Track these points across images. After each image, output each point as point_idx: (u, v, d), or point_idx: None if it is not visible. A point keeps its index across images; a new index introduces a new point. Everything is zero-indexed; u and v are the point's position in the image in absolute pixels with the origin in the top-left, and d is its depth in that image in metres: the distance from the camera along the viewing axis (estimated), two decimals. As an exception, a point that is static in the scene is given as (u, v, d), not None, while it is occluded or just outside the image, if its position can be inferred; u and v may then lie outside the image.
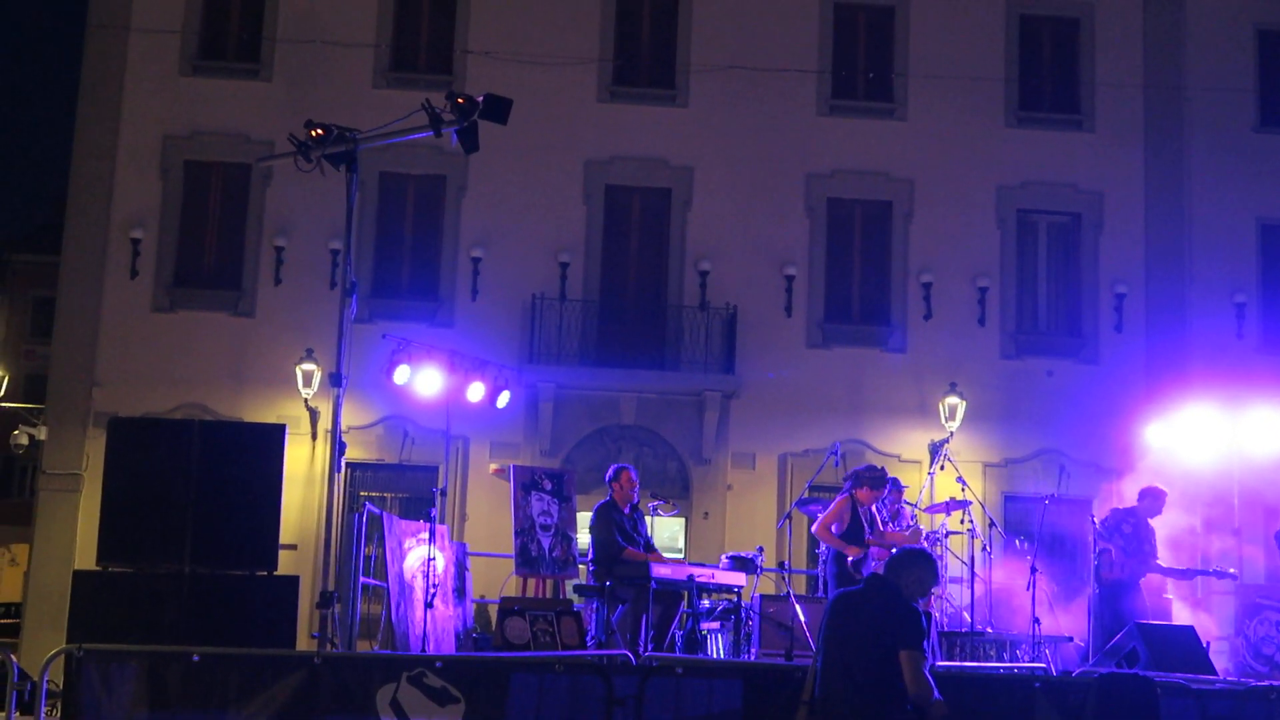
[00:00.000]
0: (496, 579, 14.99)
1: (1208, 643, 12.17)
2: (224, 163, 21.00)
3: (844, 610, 7.23)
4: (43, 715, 8.63)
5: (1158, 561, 13.71)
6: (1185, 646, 10.94)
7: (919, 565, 7.22)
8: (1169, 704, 8.53)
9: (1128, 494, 17.03)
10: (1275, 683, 9.28)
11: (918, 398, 20.67)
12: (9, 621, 32.34)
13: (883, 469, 12.66)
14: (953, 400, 20.20)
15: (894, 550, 8.37)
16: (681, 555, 19.25)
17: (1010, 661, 12.64)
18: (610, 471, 12.80)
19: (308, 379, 19.76)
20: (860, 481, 12.34)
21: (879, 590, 7.22)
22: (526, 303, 20.48)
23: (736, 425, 20.63)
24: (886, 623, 6.98)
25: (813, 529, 12.78)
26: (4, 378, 27.75)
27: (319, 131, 10.33)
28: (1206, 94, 21.59)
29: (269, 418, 19.41)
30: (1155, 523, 13.73)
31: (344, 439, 10.21)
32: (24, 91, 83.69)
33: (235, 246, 20.95)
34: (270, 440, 11.22)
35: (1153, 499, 13.89)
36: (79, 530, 19.38)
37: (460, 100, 10.16)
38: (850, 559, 12.21)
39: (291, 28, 21.15)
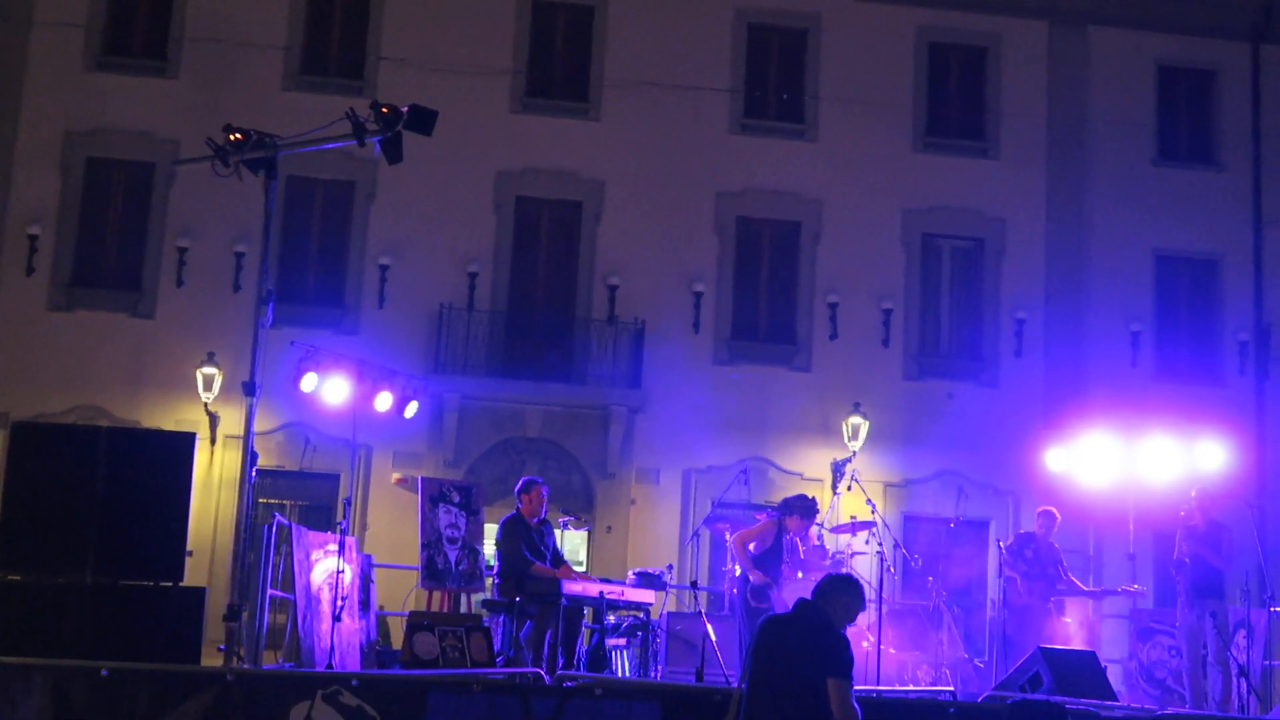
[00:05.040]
0: (396, 589, 14.88)
1: (1105, 666, 12.42)
2: (127, 160, 20.59)
3: (772, 635, 7.23)
4: (-60, 730, 8.37)
5: (1070, 580, 14.00)
6: (1087, 671, 11.15)
7: (847, 592, 7.26)
8: (1076, 730, 8.68)
9: (1024, 516, 17.38)
10: (1178, 709, 9.49)
11: (821, 417, 20.83)
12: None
13: (813, 499, 12.77)
14: (856, 420, 20.40)
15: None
16: (584, 568, 19.22)
17: (912, 684, 12.80)
18: (520, 484, 12.71)
19: (208, 383, 19.43)
20: (791, 509, 12.46)
21: (807, 617, 7.22)
22: (434, 312, 20.33)
23: (641, 440, 20.65)
24: (815, 649, 7.00)
25: (729, 536, 12.83)
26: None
27: (238, 136, 10.21)
28: (1108, 126, 22.10)
29: (168, 422, 19.06)
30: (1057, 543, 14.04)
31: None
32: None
33: (136, 246, 20.54)
34: (179, 449, 10.98)
35: (1045, 518, 14.22)
36: (-34, 533, 18.85)
37: (385, 110, 10.07)
38: (751, 583, 12.26)
39: (200, 26, 20.80)
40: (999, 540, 13.69)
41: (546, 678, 9.66)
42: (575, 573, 12.75)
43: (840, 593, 7.24)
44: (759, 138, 21.68)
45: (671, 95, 21.27)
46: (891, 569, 14.30)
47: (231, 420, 18.93)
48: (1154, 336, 21.82)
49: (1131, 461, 16.43)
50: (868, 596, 8.06)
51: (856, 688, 7.79)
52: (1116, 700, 10.88)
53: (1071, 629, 14.00)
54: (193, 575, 12.23)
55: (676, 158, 21.28)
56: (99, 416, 19.18)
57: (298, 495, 20.03)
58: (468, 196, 20.90)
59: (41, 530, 10.31)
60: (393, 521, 18.45)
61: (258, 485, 19.45)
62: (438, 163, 20.00)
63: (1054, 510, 14.27)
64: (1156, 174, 22.21)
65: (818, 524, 13.61)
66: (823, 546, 13.72)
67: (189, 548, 11.63)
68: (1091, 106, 22.23)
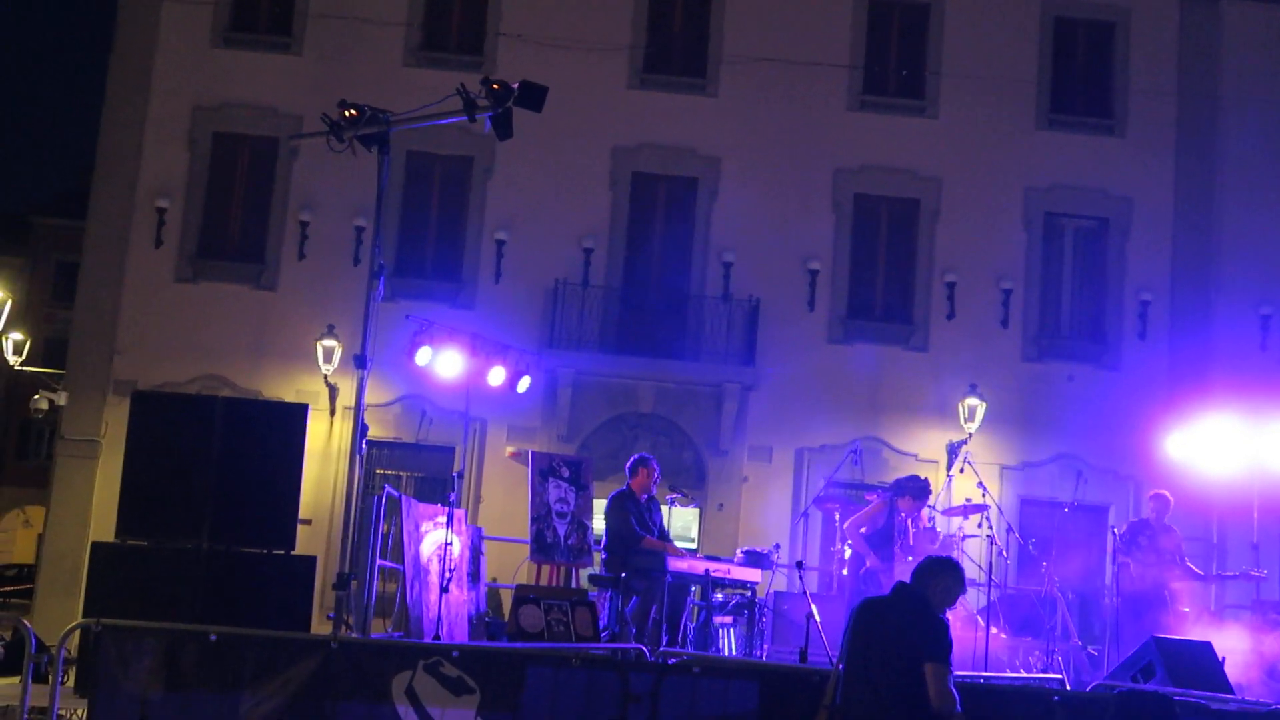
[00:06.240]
0: (508, 562, 15.00)
1: (1223, 658, 12.11)
2: (252, 135, 20.99)
3: (870, 618, 7.17)
4: (58, 688, 8.62)
5: (1187, 565, 13.66)
6: (1202, 663, 10.85)
7: (947, 575, 7.15)
8: (1187, 723, 8.49)
9: (1144, 502, 16.95)
10: (1294, 705, 9.22)
11: (937, 397, 20.58)
12: (22, 587, 32.57)
13: (926, 480, 12.67)
14: (972, 401, 20.12)
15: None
16: (694, 546, 19.24)
17: (1025, 670, 12.60)
18: (632, 461, 12.77)
19: (328, 355, 19.75)
20: (904, 490, 12.40)
21: (906, 599, 7.15)
22: (549, 287, 20.44)
23: (754, 418, 20.57)
24: (912, 633, 6.92)
25: (844, 524, 12.80)
26: (25, 341, 27.77)
27: (353, 112, 10.33)
28: (1240, 103, 21.46)
29: (288, 392, 19.45)
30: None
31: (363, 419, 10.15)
32: (56, 57, 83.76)
33: (260, 219, 20.94)
34: (293, 419, 11.23)
35: (1157, 501, 13.90)
36: (95, 497, 19.46)
37: (495, 86, 10.11)
38: (866, 566, 12.20)
39: (324, 3, 21.13)
40: (1113, 527, 13.38)
41: (649, 654, 9.67)
42: (681, 550, 12.76)
43: (939, 575, 7.13)
44: (878, 114, 21.42)
45: (790, 71, 21.09)
46: (1004, 553, 14.08)
47: (350, 392, 19.19)
48: (1286, 319, 21.18)
49: (1258, 448, 15.95)
50: (974, 579, 8.03)
51: (959, 672, 7.72)
52: (1232, 693, 10.59)
53: (1190, 618, 13.67)
54: (310, 543, 12.49)
55: (794, 134, 21.11)
56: (221, 386, 19.62)
57: (414, 467, 20.32)
58: (584, 172, 20.95)
59: (161, 497, 10.61)
60: (506, 494, 18.61)
61: (375, 456, 20.05)
62: (555, 138, 20.10)
63: (1166, 493, 13.94)
64: (1291, 152, 21.51)
65: (929, 506, 13.46)
66: (934, 529, 13.56)
67: (307, 516, 11.92)
68: (1223, 83, 21.58)
